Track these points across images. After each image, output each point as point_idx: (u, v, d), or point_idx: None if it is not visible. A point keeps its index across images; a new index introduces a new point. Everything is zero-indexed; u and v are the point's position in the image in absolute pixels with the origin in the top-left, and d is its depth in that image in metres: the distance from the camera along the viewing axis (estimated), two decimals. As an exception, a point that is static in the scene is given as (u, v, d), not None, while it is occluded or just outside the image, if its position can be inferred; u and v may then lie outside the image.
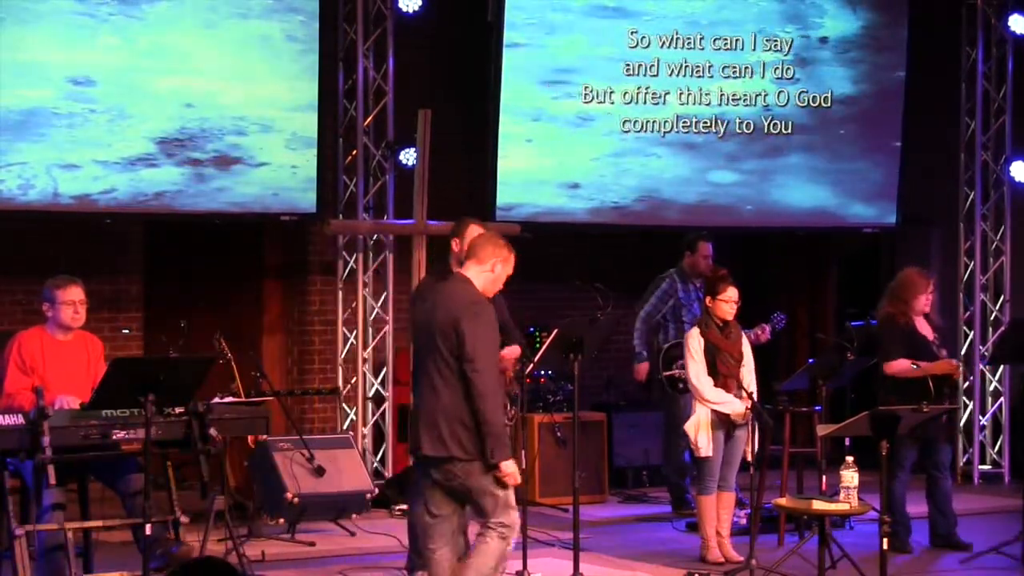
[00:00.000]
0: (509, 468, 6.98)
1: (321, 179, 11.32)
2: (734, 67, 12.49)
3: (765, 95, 12.59)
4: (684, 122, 12.40)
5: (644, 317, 11.07)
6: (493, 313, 7.13)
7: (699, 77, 12.40)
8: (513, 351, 8.43)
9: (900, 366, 9.49)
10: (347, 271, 11.74)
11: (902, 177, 12.94)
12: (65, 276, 8.30)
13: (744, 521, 9.96)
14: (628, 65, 12.19)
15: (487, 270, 7.16)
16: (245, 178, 11.12)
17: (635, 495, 11.90)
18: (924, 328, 9.71)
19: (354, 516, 10.26)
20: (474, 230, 8.36)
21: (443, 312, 6.99)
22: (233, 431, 8.83)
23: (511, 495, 7.08)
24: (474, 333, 6.90)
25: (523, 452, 8.87)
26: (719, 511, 9.42)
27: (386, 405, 11.75)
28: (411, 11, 11.59)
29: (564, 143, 12.13)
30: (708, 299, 9.42)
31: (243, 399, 9.71)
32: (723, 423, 9.30)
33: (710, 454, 9.29)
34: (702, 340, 9.33)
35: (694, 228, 12.52)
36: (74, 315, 8.22)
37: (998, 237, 13.08)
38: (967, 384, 12.93)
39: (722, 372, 9.28)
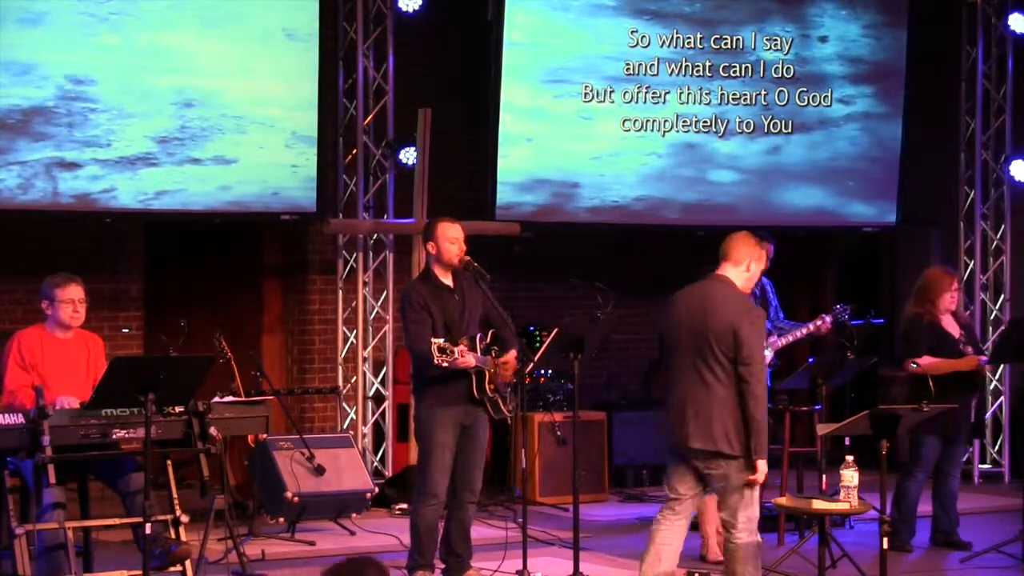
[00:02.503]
0: (763, 467, 7.30)
1: (321, 178, 11.32)
2: (734, 67, 12.50)
3: (765, 95, 12.60)
4: (684, 122, 12.41)
5: None
6: (763, 316, 7.57)
7: (699, 77, 12.40)
8: (512, 355, 8.43)
9: (923, 363, 9.48)
10: (347, 270, 11.75)
11: (902, 176, 12.94)
12: (64, 274, 8.29)
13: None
14: (628, 65, 12.19)
15: (743, 270, 7.52)
16: (245, 177, 11.12)
17: (635, 494, 11.90)
18: (951, 326, 9.71)
19: (354, 515, 10.26)
20: (445, 228, 8.40)
21: (719, 316, 7.32)
22: (233, 430, 8.83)
23: (756, 492, 7.43)
24: (751, 337, 7.27)
25: (523, 451, 8.86)
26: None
27: (386, 404, 11.75)
28: (411, 10, 11.60)
29: (564, 143, 12.13)
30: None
31: (243, 398, 9.70)
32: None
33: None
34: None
35: (694, 227, 12.55)
36: (73, 314, 8.22)
37: (998, 236, 13.09)
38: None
39: None
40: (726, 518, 7.40)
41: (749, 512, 7.36)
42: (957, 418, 9.35)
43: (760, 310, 7.63)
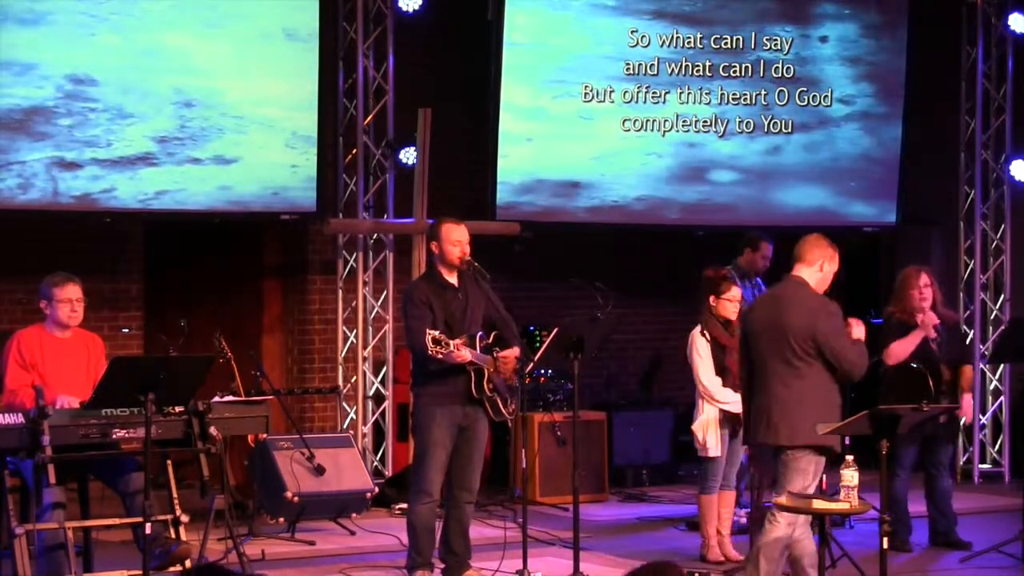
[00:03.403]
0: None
1: (321, 178, 11.32)
2: (734, 67, 12.50)
3: (765, 95, 12.59)
4: (684, 121, 12.40)
5: None
6: (839, 308, 7.75)
7: (699, 77, 12.40)
8: (513, 352, 8.43)
9: (889, 352, 9.49)
10: (347, 270, 11.74)
11: (902, 176, 12.94)
12: (63, 274, 8.29)
13: (744, 520, 9.96)
14: (628, 64, 12.19)
15: (816, 270, 7.80)
16: (245, 177, 11.11)
17: (635, 494, 11.90)
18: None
19: (354, 515, 10.26)
20: (449, 230, 8.42)
21: (796, 315, 7.61)
22: (233, 430, 8.84)
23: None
24: (830, 330, 7.58)
25: (523, 451, 8.87)
26: (720, 509, 9.43)
27: (386, 404, 11.75)
28: (411, 10, 11.59)
29: (564, 142, 12.13)
30: (712, 298, 9.41)
31: (243, 398, 9.71)
32: (728, 422, 9.30)
33: (718, 454, 9.30)
34: (707, 340, 9.34)
35: (693, 227, 12.56)
36: (71, 313, 8.22)
37: (998, 236, 13.08)
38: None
39: (732, 370, 9.26)
40: (775, 499, 7.63)
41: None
42: (924, 419, 9.31)
43: (834, 303, 7.82)
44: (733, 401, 9.23)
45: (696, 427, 9.35)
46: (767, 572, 7.60)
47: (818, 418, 7.46)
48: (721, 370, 9.30)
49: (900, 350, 9.55)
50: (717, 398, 9.27)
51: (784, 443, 7.61)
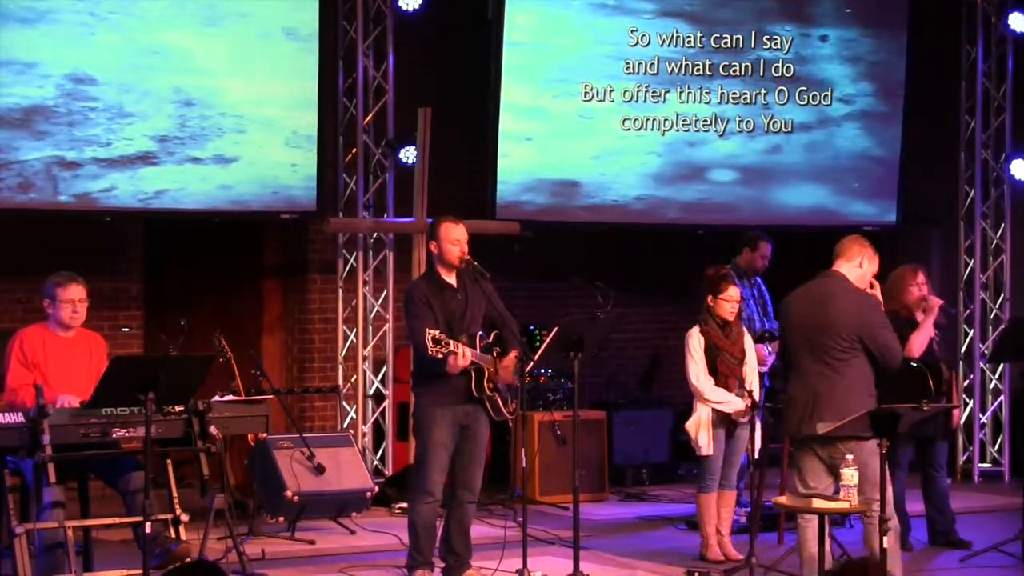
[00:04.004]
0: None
1: (321, 177, 11.32)
2: (734, 67, 12.49)
3: (765, 94, 12.59)
4: (684, 121, 12.40)
5: None
6: (879, 302, 8.00)
7: (699, 76, 12.40)
8: (511, 355, 8.42)
9: (910, 347, 9.48)
10: (347, 269, 11.74)
11: (902, 175, 12.94)
12: (67, 273, 8.30)
13: (744, 519, 9.96)
14: (628, 64, 12.19)
15: (856, 265, 8.01)
16: (245, 176, 11.12)
17: (635, 493, 11.90)
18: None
19: (354, 514, 10.26)
20: (447, 229, 8.41)
21: (838, 308, 7.81)
22: (233, 429, 8.84)
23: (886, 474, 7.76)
24: (872, 322, 7.80)
25: (523, 451, 8.87)
26: (719, 509, 9.43)
27: (386, 403, 11.75)
28: (411, 9, 11.59)
29: (564, 142, 12.13)
30: (710, 298, 9.43)
31: (243, 397, 9.71)
32: (724, 422, 9.32)
33: (711, 453, 9.31)
34: (702, 340, 9.35)
35: (693, 226, 12.55)
36: (73, 313, 8.23)
37: (998, 235, 13.08)
38: (967, 382, 12.94)
39: (722, 371, 9.31)
40: (865, 504, 7.68)
41: (876, 493, 7.61)
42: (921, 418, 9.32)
43: (874, 297, 8.02)
44: (724, 401, 9.24)
45: (688, 425, 9.37)
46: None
47: (863, 408, 7.58)
48: (712, 370, 9.30)
49: (919, 341, 9.50)
50: (707, 397, 9.28)
51: (829, 434, 7.69)
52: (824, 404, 7.80)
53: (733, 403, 9.26)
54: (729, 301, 9.39)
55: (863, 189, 12.96)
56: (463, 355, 8.15)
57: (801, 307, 8.02)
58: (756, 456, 9.08)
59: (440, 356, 8.08)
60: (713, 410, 9.28)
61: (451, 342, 8.10)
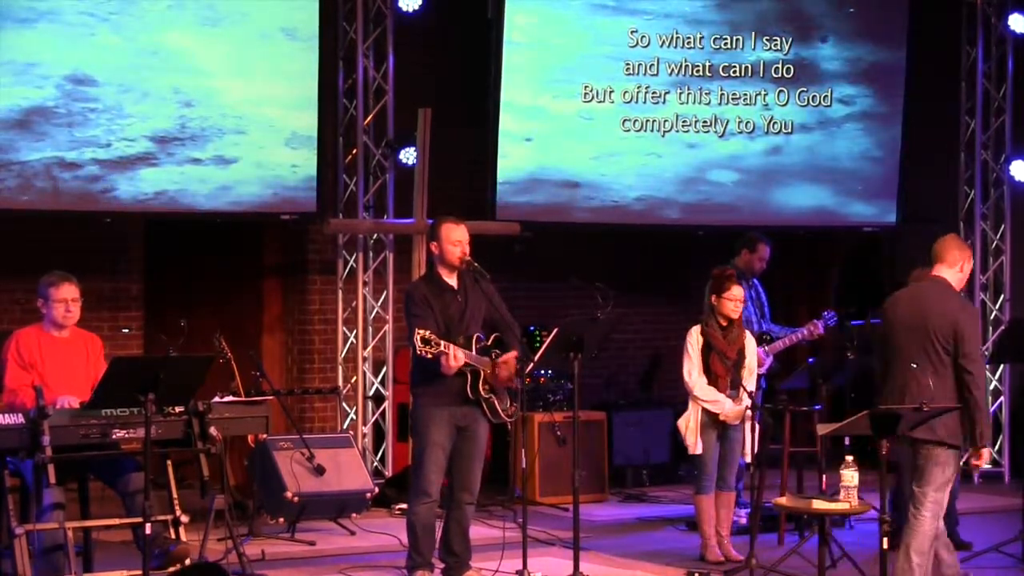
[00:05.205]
0: (987, 455, 7.89)
1: (321, 178, 11.32)
2: (734, 67, 12.49)
3: (765, 95, 12.59)
4: (684, 121, 12.40)
5: None
6: (978, 312, 8.07)
7: (699, 77, 12.40)
8: (510, 356, 8.41)
9: None
10: (347, 270, 11.74)
11: (902, 176, 12.94)
12: (59, 273, 8.29)
13: (744, 520, 9.96)
14: (628, 64, 12.19)
15: (957, 270, 7.97)
16: (245, 177, 11.12)
17: (635, 494, 11.90)
18: None
19: (354, 515, 10.26)
20: (448, 230, 8.40)
21: (939, 313, 7.77)
22: (233, 430, 8.83)
23: (953, 482, 7.88)
24: (969, 331, 7.75)
25: (523, 451, 8.86)
26: (719, 510, 9.43)
27: (386, 404, 11.75)
28: (411, 10, 11.59)
29: (564, 142, 12.13)
30: (713, 297, 9.44)
31: (243, 398, 9.71)
32: (716, 423, 9.33)
33: (699, 451, 9.32)
34: (701, 338, 9.36)
35: (693, 227, 12.55)
36: (66, 313, 8.22)
37: (998, 236, 13.09)
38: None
39: (715, 372, 9.32)
40: (917, 493, 7.72)
41: (939, 496, 7.73)
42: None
43: (974, 306, 8.11)
44: (713, 400, 9.26)
45: (680, 423, 9.39)
46: (919, 565, 7.75)
47: (949, 419, 7.62)
48: (706, 370, 9.31)
49: None
50: (697, 394, 9.30)
51: (929, 438, 7.70)
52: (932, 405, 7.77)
53: (721, 403, 9.27)
54: (733, 300, 9.40)
55: (863, 190, 12.96)
56: (454, 356, 8.12)
57: (903, 310, 7.94)
58: (750, 459, 9.07)
59: (430, 356, 8.06)
60: (704, 410, 9.30)
61: (441, 342, 8.07)
